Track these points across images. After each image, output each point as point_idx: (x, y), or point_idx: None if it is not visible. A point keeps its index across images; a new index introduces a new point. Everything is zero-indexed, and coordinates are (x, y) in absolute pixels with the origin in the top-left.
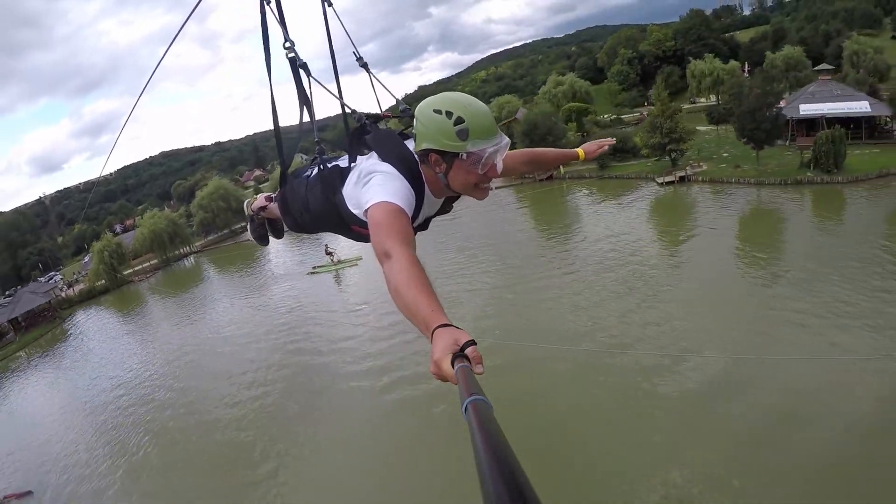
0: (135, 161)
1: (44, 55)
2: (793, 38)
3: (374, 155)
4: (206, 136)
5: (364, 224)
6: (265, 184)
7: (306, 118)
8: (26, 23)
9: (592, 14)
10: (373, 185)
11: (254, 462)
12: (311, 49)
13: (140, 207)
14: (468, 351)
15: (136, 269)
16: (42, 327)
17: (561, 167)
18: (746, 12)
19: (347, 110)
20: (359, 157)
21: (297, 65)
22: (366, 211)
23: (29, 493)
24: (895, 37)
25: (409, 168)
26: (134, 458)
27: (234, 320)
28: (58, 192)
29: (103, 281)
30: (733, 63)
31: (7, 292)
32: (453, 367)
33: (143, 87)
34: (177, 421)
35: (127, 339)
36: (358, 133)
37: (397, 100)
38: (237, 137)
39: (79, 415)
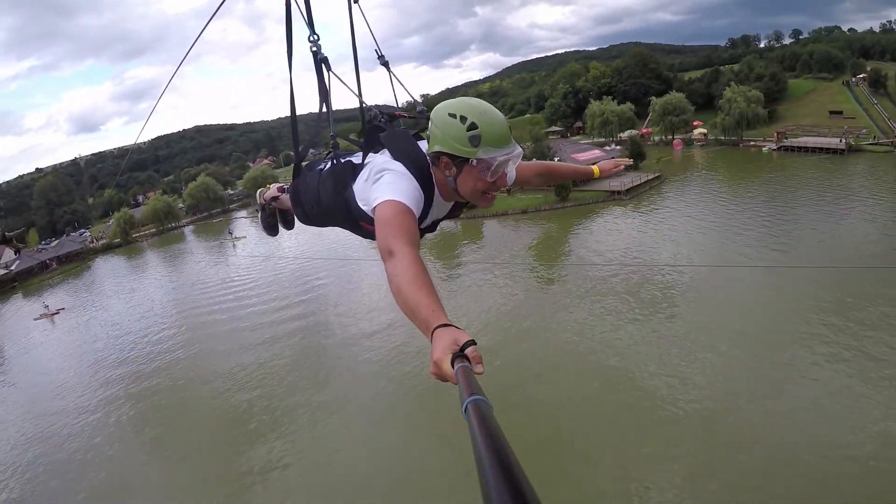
0: (169, 132)
1: (93, 18)
2: (723, 79)
3: (386, 152)
4: (242, 113)
5: (371, 221)
6: (281, 168)
7: (325, 110)
8: None
9: (638, 28)
10: (382, 183)
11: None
12: (332, 41)
13: (166, 179)
14: (468, 351)
15: (142, 232)
16: (75, 264)
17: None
18: (762, 44)
19: (364, 106)
20: (371, 153)
21: (318, 59)
22: (373, 208)
23: (62, 309)
24: (846, 83)
25: (419, 169)
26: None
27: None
28: (93, 154)
29: (118, 239)
30: (625, 106)
31: (44, 241)
32: (453, 367)
33: (183, 58)
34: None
35: (128, 274)
36: (373, 130)
37: (415, 100)
38: (269, 119)
39: (90, 311)
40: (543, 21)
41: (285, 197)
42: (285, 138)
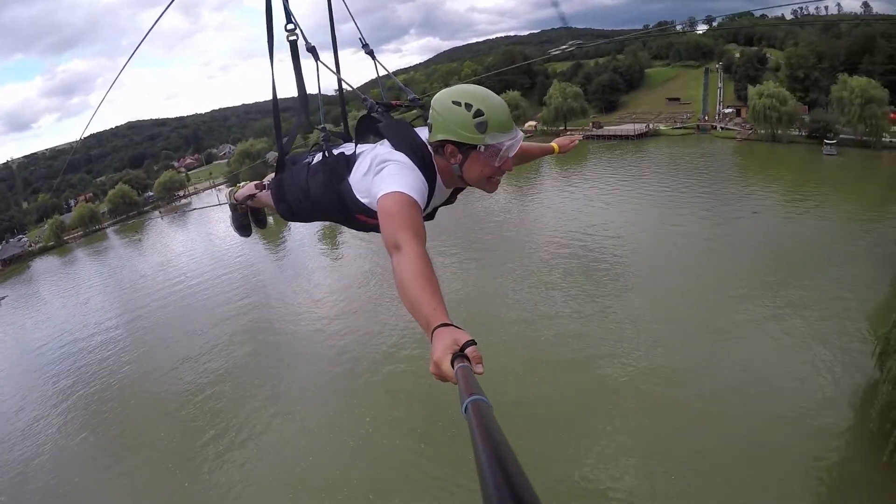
0: (102, 129)
1: (22, 9)
2: (584, 72)
3: (385, 143)
4: (177, 105)
5: (371, 213)
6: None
7: (304, 97)
8: None
9: (576, 12)
10: (386, 174)
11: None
12: (305, 26)
13: (98, 180)
14: (468, 351)
15: (71, 235)
16: (16, 265)
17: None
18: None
19: (362, 97)
20: (367, 144)
21: (297, 50)
22: (378, 200)
23: (5, 296)
24: (707, 69)
25: (421, 157)
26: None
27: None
28: (25, 157)
29: (52, 242)
30: None
31: None
32: (453, 367)
33: (129, 57)
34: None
35: (63, 268)
36: (366, 121)
37: (405, 89)
38: (202, 111)
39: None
40: (482, 5)
41: (264, 194)
42: (215, 132)
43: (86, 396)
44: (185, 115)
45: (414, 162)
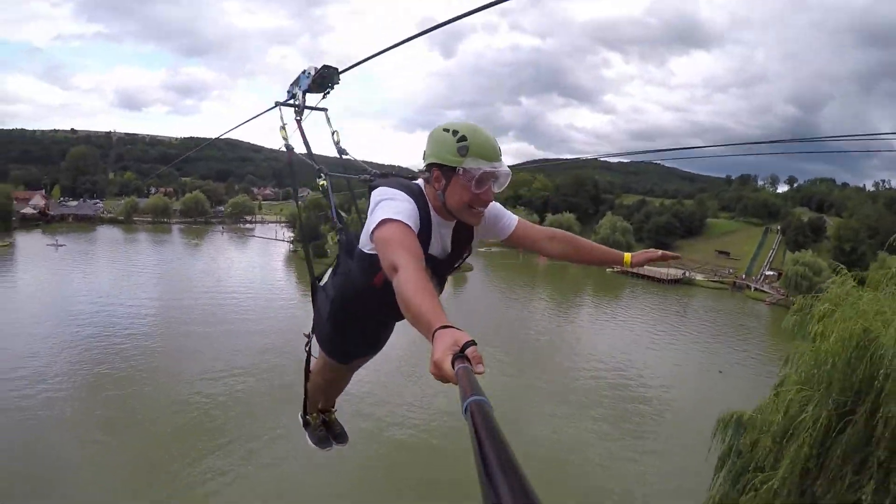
0: (203, 136)
1: (169, 7)
2: (648, 209)
3: (377, 189)
4: (276, 138)
5: (379, 268)
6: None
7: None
8: None
9: (671, 146)
10: (378, 209)
11: None
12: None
13: (183, 179)
14: (468, 351)
15: (142, 217)
16: (86, 224)
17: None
18: (759, 184)
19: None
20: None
21: (326, 188)
22: (371, 234)
23: (64, 245)
24: (767, 229)
25: (409, 188)
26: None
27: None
28: (126, 134)
29: (122, 217)
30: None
31: (63, 198)
32: (453, 367)
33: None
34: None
35: (124, 244)
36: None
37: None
38: (299, 151)
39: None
40: (581, 124)
41: (317, 352)
42: (301, 174)
43: (97, 357)
44: (281, 149)
45: (401, 190)
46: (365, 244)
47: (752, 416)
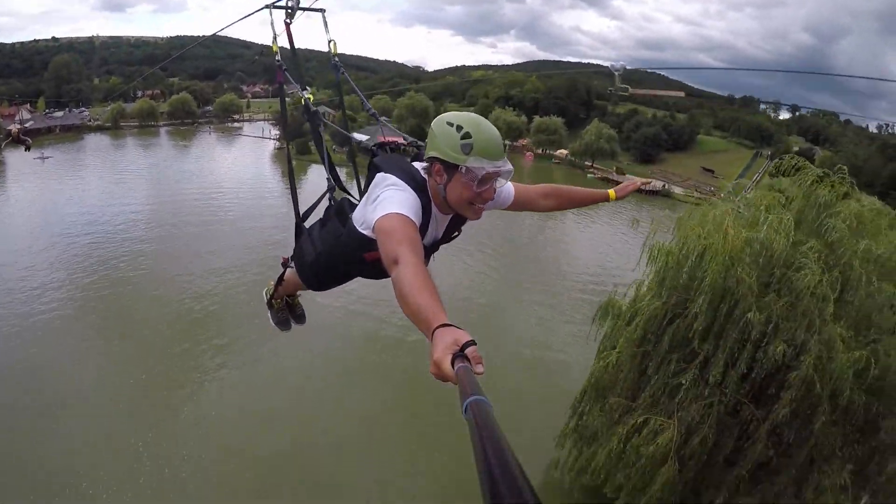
0: (188, 34)
1: None
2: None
3: (380, 173)
4: (267, 34)
5: (374, 246)
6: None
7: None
8: None
9: (676, 61)
10: (381, 199)
11: None
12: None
13: (170, 80)
14: (468, 351)
15: (129, 122)
16: (73, 133)
17: None
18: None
19: (355, 140)
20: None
21: (309, 109)
22: (373, 224)
23: (50, 157)
24: (758, 153)
25: (415, 180)
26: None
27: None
28: (110, 37)
29: (109, 124)
30: (518, 118)
31: (49, 110)
32: (453, 367)
33: None
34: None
35: (112, 150)
36: (371, 160)
37: (404, 136)
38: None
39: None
40: (588, 28)
41: (291, 274)
42: (293, 70)
43: (91, 265)
44: (265, 42)
45: (406, 182)
46: (361, 223)
47: (619, 303)
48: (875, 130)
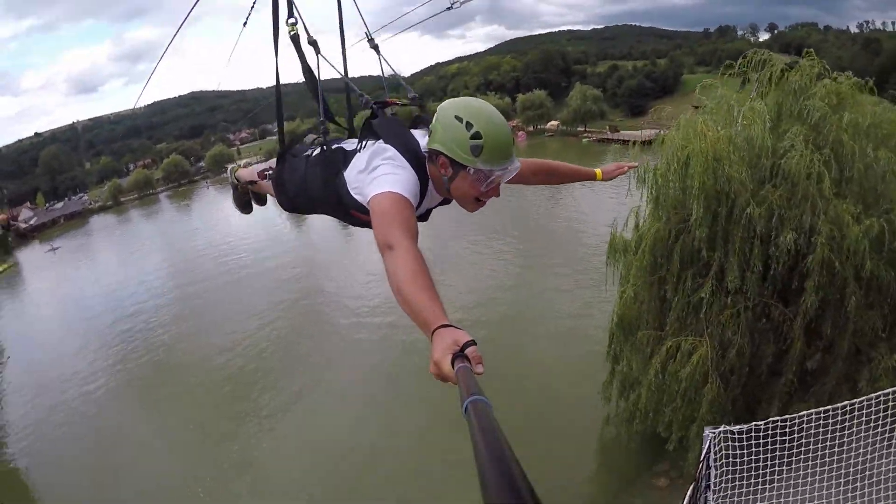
0: (166, 98)
1: None
2: (620, 73)
3: (380, 142)
4: (241, 77)
5: (364, 210)
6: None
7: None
8: None
9: (646, 9)
10: (379, 173)
11: None
12: (316, 15)
13: (158, 147)
14: (468, 351)
15: (128, 196)
16: (77, 220)
17: None
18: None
19: (358, 95)
20: (369, 141)
21: (299, 43)
22: (370, 199)
23: (59, 247)
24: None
25: (414, 157)
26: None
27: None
28: (90, 119)
29: (110, 202)
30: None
31: (49, 203)
32: (453, 367)
33: (182, 22)
34: None
35: (118, 226)
36: (368, 119)
37: (406, 87)
38: (264, 86)
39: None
40: None
41: (266, 183)
42: (272, 108)
43: (129, 343)
44: (247, 88)
45: (407, 160)
46: (354, 187)
47: (625, 239)
48: (857, 30)
